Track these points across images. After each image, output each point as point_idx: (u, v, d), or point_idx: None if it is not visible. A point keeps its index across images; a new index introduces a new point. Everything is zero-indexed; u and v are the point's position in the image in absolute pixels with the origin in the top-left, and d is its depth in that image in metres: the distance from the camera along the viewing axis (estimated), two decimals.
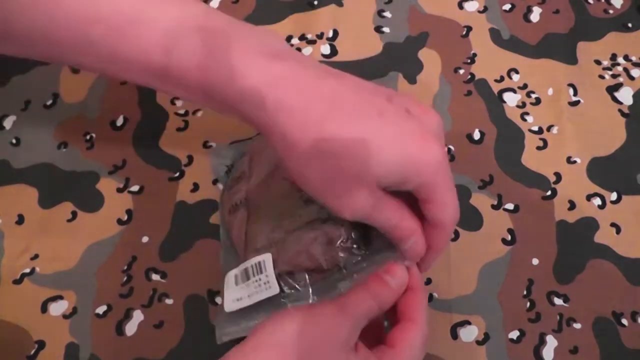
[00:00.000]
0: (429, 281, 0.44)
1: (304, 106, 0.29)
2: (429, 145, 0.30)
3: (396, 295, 0.33)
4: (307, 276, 0.36)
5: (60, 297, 0.45)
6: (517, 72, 0.52)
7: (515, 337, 0.42)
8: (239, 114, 0.31)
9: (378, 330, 0.35)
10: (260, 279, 0.36)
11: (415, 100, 0.33)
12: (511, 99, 0.51)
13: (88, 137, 0.51)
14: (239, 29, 0.32)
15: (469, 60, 0.53)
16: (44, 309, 0.44)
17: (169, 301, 0.44)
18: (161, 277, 0.45)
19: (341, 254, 0.35)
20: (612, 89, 0.51)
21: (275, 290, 0.35)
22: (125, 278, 0.45)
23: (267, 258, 0.36)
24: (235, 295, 0.36)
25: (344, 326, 0.30)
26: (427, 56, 0.53)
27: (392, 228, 0.32)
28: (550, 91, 0.51)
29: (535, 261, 0.45)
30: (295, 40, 0.54)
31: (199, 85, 0.31)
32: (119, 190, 0.48)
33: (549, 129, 0.49)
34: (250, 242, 0.39)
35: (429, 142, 0.30)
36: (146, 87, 0.35)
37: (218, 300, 0.44)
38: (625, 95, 0.51)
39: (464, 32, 0.54)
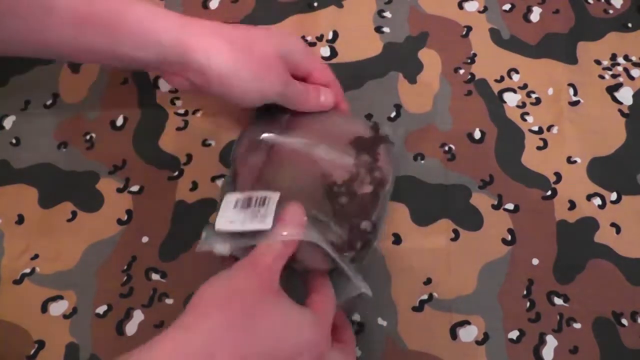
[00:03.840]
0: (429, 281, 0.44)
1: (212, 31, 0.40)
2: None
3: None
4: None
5: (60, 297, 0.45)
6: (517, 72, 0.52)
7: (515, 337, 0.42)
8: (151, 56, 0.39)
9: None
10: (259, 211, 0.36)
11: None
12: (511, 99, 0.51)
13: (88, 137, 0.51)
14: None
15: (469, 60, 0.53)
16: (44, 309, 0.44)
17: (169, 301, 0.44)
18: (161, 277, 0.45)
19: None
20: (612, 89, 0.51)
21: (268, 225, 0.35)
22: (125, 278, 0.45)
23: (274, 196, 0.37)
24: (230, 217, 0.36)
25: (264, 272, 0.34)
26: (427, 56, 0.53)
27: (306, 94, 0.43)
28: (550, 91, 0.51)
29: (535, 261, 0.45)
30: None
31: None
32: (119, 190, 0.48)
33: (549, 129, 0.49)
34: (263, 182, 0.40)
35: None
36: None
37: None
38: (625, 95, 0.51)
39: (464, 32, 0.54)
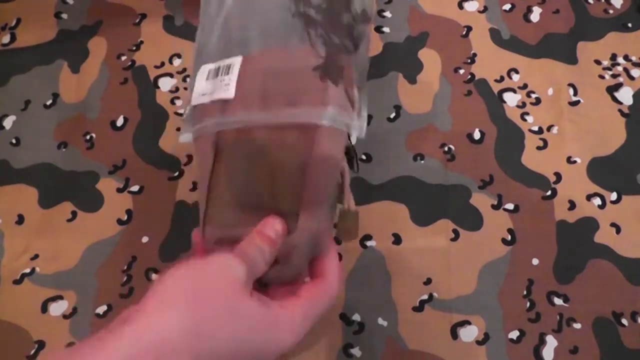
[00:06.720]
0: (428, 281, 0.44)
1: None
2: None
3: (277, 245, 0.33)
4: None
5: (60, 297, 0.45)
6: (517, 72, 0.52)
7: (515, 337, 0.42)
8: None
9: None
10: (224, 80, 0.35)
11: None
12: (511, 99, 0.51)
13: (88, 137, 0.51)
14: None
15: (469, 60, 0.53)
16: (44, 309, 0.44)
17: None
18: None
19: None
20: (612, 89, 0.51)
21: (231, 94, 0.35)
22: (125, 278, 0.45)
23: (236, 61, 0.36)
24: (202, 89, 0.36)
25: (240, 265, 0.30)
26: (427, 56, 0.53)
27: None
28: (550, 91, 0.51)
29: (535, 261, 0.45)
30: None
31: None
32: (119, 190, 0.48)
33: (549, 129, 0.49)
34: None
35: None
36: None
37: None
38: (625, 95, 0.51)
39: (464, 32, 0.54)
